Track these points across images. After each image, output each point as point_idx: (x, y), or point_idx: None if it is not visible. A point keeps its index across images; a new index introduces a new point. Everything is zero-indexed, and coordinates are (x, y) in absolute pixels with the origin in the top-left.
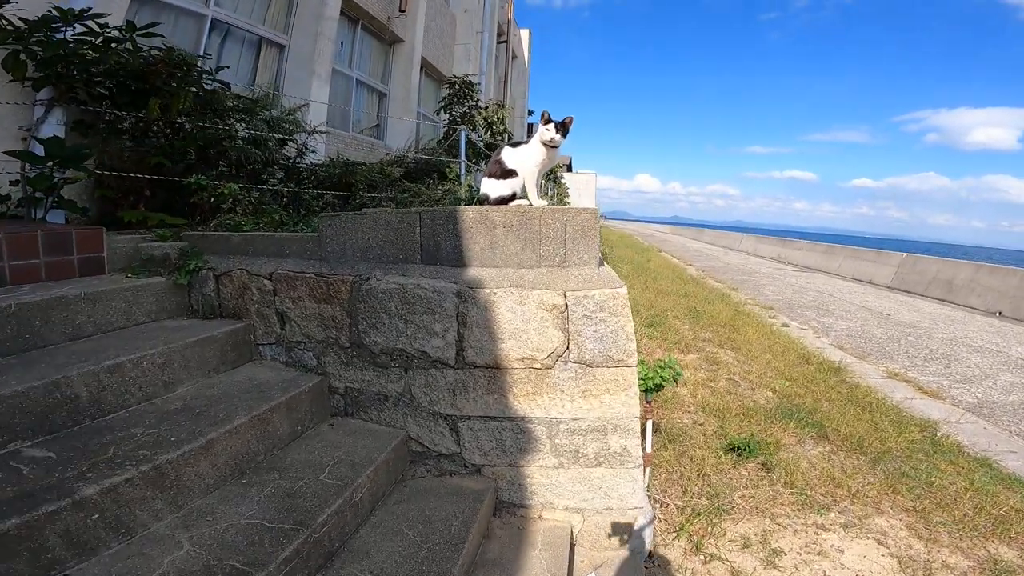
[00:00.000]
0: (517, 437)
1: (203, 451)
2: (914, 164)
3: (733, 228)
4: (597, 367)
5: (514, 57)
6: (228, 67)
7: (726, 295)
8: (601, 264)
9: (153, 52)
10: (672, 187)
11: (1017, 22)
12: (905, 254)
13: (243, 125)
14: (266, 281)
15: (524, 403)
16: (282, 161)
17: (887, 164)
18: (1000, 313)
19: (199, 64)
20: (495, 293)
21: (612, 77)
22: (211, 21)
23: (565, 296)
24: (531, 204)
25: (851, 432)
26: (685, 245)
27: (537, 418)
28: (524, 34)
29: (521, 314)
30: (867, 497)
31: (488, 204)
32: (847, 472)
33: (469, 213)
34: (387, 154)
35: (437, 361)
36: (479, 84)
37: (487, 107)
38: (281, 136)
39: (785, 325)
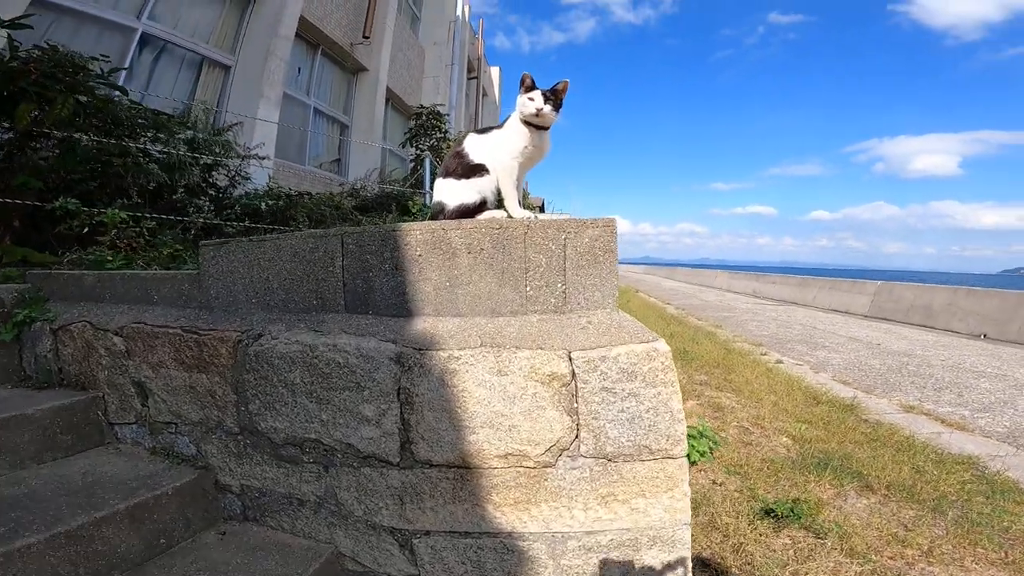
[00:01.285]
0: (503, 558)
1: None
2: (865, 194)
3: (702, 265)
4: (625, 462)
5: (484, 94)
6: (162, 92)
7: (711, 333)
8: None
9: (34, 52)
10: (643, 227)
11: (943, 49)
12: (880, 282)
13: (158, 145)
14: (115, 338)
15: (511, 515)
16: (212, 191)
17: (841, 195)
18: (985, 335)
19: (90, 67)
20: (457, 357)
21: (579, 119)
22: (141, 35)
23: (570, 359)
24: (509, 216)
25: (895, 479)
26: (660, 284)
27: (532, 534)
28: (495, 71)
29: (501, 389)
30: (944, 555)
31: (444, 218)
32: (908, 527)
33: (416, 234)
34: (341, 185)
35: (371, 457)
36: (448, 116)
37: (455, 139)
38: (208, 161)
39: (779, 362)
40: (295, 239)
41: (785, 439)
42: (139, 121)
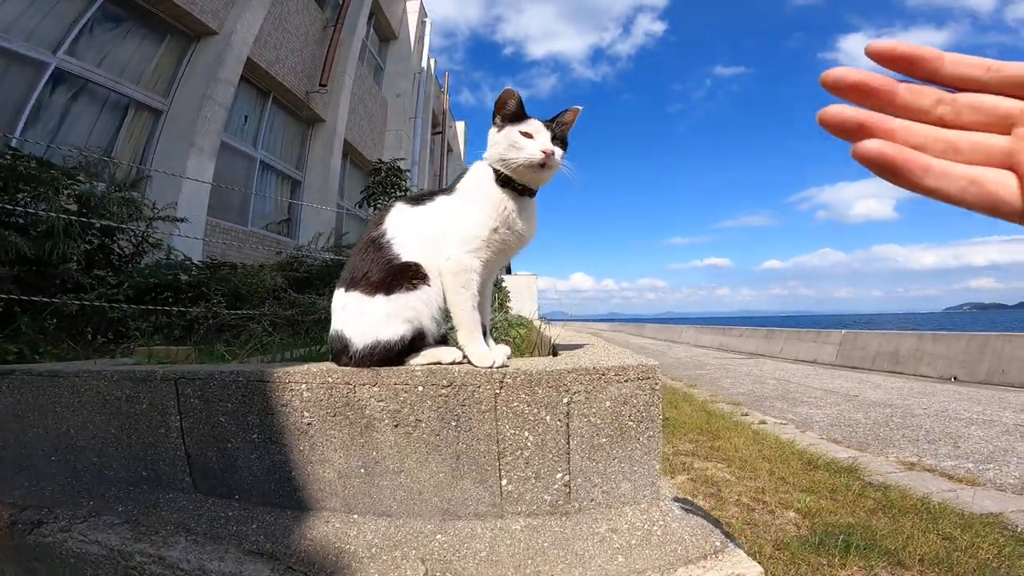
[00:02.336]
0: None
1: None
2: (812, 242)
3: (666, 319)
4: None
5: (450, 150)
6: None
7: (688, 395)
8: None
9: None
10: (606, 284)
11: None
12: (844, 331)
13: (43, 204)
14: None
15: None
16: (115, 260)
17: (789, 245)
18: (955, 378)
19: None
20: None
21: None
22: (53, 72)
23: None
24: (466, 360)
25: (926, 551)
26: (628, 342)
27: None
28: (460, 126)
29: None
30: None
31: (351, 361)
32: None
33: (299, 391)
34: (279, 253)
35: None
36: (409, 172)
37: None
38: (99, 224)
39: (763, 422)
40: (102, 380)
41: (792, 514)
42: (16, 171)
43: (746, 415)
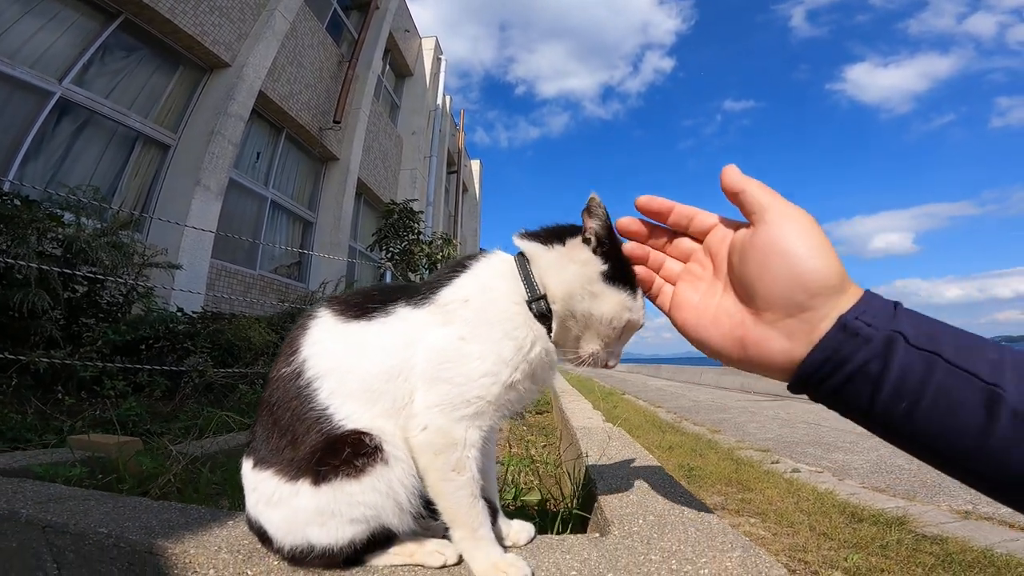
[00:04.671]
0: None
1: None
2: None
3: (685, 360)
4: None
5: (465, 190)
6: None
7: (713, 441)
8: None
9: None
10: None
11: (880, 123)
12: None
13: (23, 247)
14: None
15: None
16: (101, 311)
17: None
18: None
19: None
20: None
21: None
22: (58, 101)
23: None
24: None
25: None
26: (646, 383)
27: None
28: (475, 165)
29: None
30: None
31: (278, 554)
32: None
33: None
34: (282, 302)
35: None
36: (423, 213)
37: (431, 242)
38: (90, 271)
39: (796, 470)
40: None
41: (839, 574)
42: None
43: (776, 463)
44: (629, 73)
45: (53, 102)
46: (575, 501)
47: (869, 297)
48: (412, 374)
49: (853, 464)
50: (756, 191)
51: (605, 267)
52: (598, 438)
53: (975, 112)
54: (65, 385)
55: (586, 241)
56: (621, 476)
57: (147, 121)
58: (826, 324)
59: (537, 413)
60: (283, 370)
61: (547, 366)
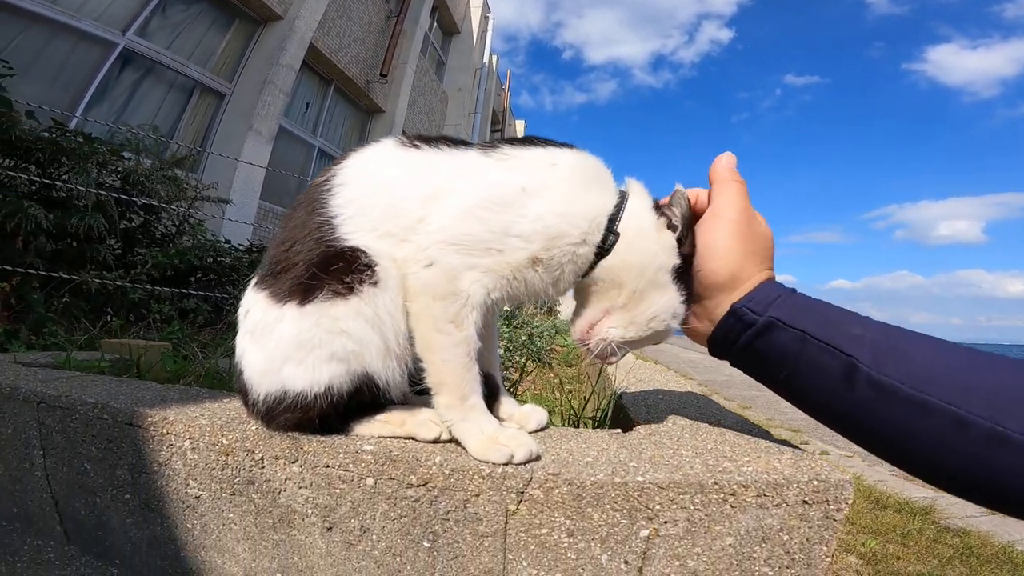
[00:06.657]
0: None
1: None
2: (887, 263)
3: None
4: None
5: None
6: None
7: (742, 417)
8: None
9: None
10: None
11: (961, 107)
12: None
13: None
14: None
15: None
16: (154, 239)
17: (861, 264)
18: None
19: None
20: None
21: None
22: (121, 52)
23: None
24: (452, 440)
25: None
26: (679, 356)
27: None
28: (520, 125)
29: None
30: None
31: (255, 414)
32: None
33: (182, 448)
34: None
35: None
36: None
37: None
38: (140, 202)
39: (825, 453)
40: None
41: (853, 559)
42: (59, 145)
43: (806, 443)
44: (683, 42)
45: (117, 52)
46: (598, 414)
47: (761, 288)
48: (448, 199)
49: None
50: (716, 187)
51: (679, 262)
52: (625, 368)
53: None
54: (115, 308)
55: (672, 228)
56: (650, 394)
57: (205, 71)
58: (721, 311)
59: (568, 365)
60: (314, 191)
61: (567, 281)
